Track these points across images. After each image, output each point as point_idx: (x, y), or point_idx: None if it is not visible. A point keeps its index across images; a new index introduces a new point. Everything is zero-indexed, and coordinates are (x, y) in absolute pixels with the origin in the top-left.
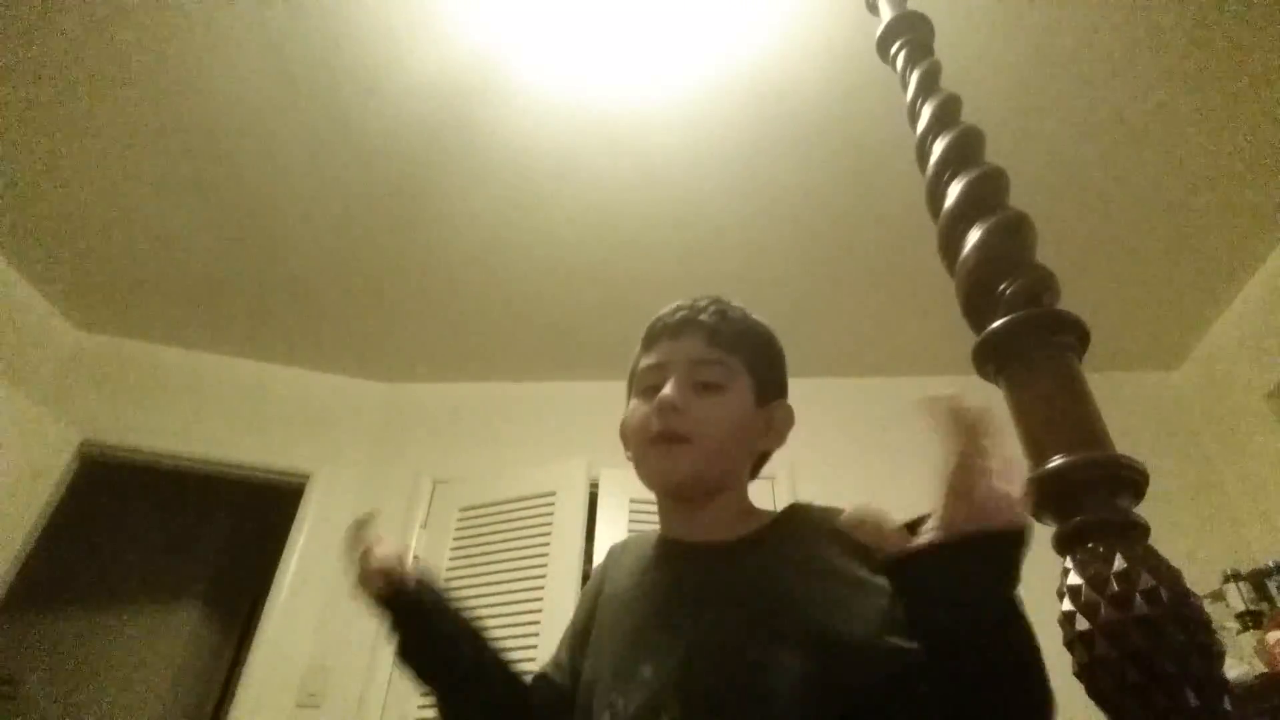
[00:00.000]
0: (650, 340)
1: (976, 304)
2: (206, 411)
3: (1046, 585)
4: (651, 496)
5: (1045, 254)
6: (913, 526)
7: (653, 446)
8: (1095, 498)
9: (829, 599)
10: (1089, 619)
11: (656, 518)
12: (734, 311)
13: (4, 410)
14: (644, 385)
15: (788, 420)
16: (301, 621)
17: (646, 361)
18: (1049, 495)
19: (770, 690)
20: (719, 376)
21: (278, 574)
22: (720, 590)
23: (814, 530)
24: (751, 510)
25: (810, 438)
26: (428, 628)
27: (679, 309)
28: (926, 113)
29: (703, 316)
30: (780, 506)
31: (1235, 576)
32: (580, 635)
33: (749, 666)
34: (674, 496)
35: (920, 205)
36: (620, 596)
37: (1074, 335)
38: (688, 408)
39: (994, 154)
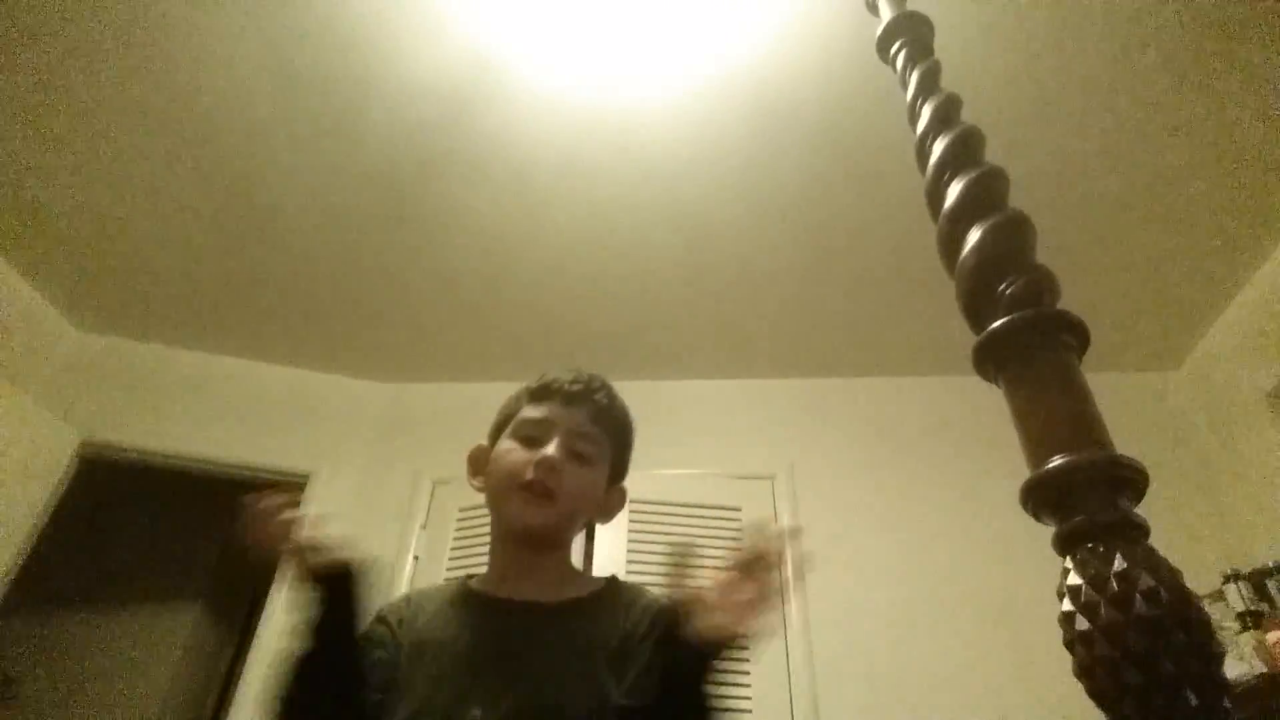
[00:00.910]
0: (541, 396)
1: (976, 304)
2: (206, 411)
3: (1047, 585)
4: (652, 497)
5: (1045, 254)
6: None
7: (521, 493)
8: (1095, 498)
9: (617, 665)
10: (1089, 619)
11: (654, 519)
12: (618, 400)
13: (4, 410)
14: (524, 433)
15: (621, 503)
16: None
17: (533, 414)
18: (1049, 495)
19: None
20: (591, 452)
21: (278, 574)
22: (548, 648)
23: (624, 605)
24: (573, 573)
25: (809, 438)
26: (352, 621)
27: (576, 380)
28: (926, 113)
29: (596, 396)
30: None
31: (1235, 576)
32: (385, 668)
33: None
34: (523, 541)
35: (920, 205)
36: (439, 643)
37: (1074, 336)
38: (562, 471)
39: (994, 154)
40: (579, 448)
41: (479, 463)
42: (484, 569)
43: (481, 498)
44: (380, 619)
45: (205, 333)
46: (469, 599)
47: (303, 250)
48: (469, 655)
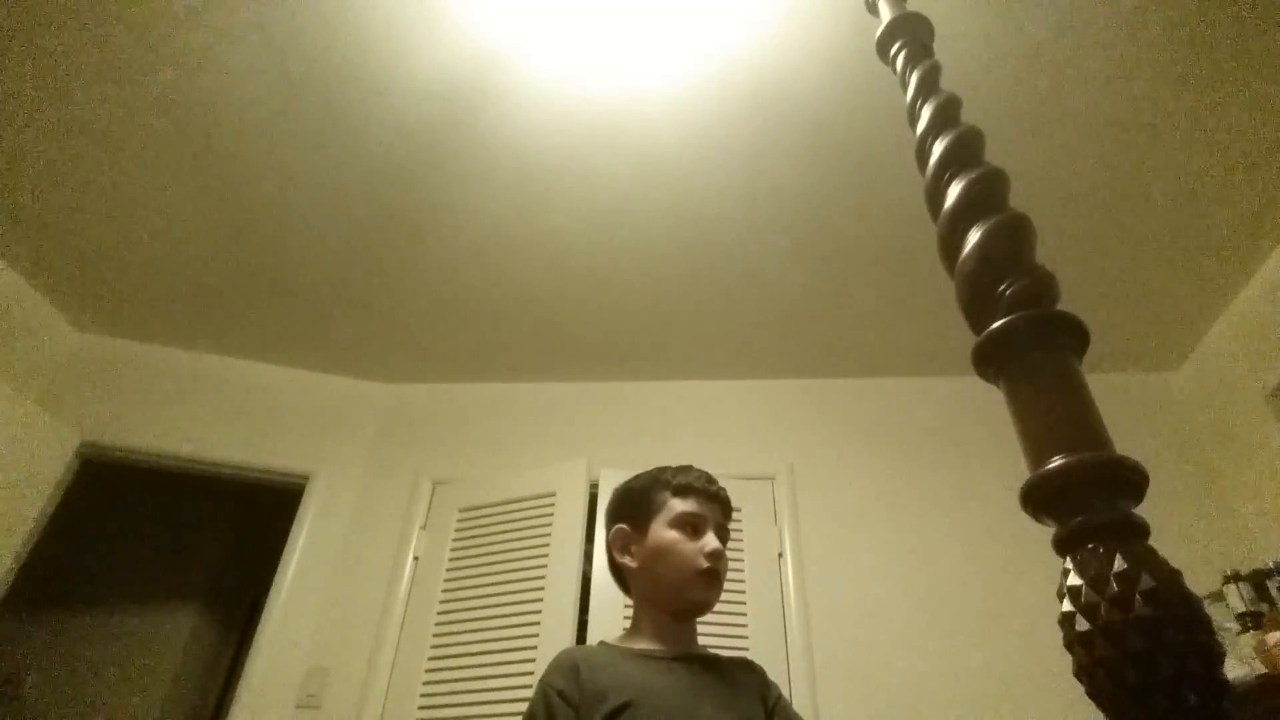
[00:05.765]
0: (685, 492)
1: (976, 305)
2: (206, 411)
3: (1046, 586)
4: None
5: (1045, 254)
6: None
7: (701, 578)
8: (1095, 498)
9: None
10: (1089, 620)
11: None
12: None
13: (4, 410)
14: (683, 522)
15: None
16: (301, 622)
17: (688, 507)
18: (1049, 496)
19: None
20: (727, 538)
21: (278, 574)
22: (733, 690)
23: (758, 674)
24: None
25: (809, 438)
26: None
27: (709, 482)
28: (926, 113)
29: (723, 494)
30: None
31: (1235, 577)
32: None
33: None
34: (691, 613)
35: (920, 205)
36: (646, 688)
37: (1074, 336)
38: (723, 557)
39: (994, 154)
40: (722, 537)
41: (627, 542)
42: (475, 572)
43: (485, 497)
44: (561, 693)
45: (205, 333)
46: (639, 655)
47: (303, 251)
48: (685, 693)
